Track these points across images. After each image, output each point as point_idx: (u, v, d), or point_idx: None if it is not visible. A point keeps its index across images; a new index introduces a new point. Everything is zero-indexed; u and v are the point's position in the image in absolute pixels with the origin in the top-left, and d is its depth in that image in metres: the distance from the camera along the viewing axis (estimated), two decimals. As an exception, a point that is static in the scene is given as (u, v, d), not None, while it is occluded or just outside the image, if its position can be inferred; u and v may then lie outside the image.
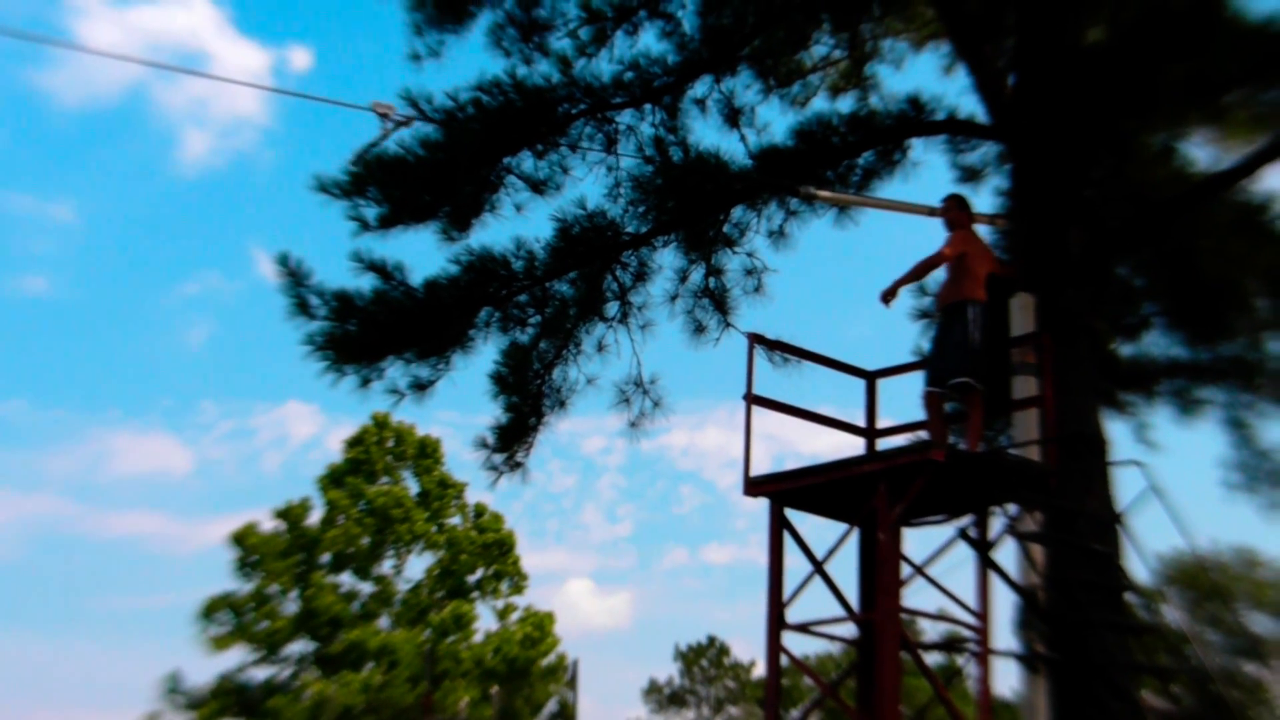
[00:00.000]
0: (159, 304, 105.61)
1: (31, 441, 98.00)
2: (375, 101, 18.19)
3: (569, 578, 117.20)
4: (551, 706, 55.08)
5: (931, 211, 16.48)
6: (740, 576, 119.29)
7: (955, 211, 15.32)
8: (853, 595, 14.56)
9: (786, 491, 14.17)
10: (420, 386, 20.48)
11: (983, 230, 18.32)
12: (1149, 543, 19.44)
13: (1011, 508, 14.39)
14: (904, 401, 14.94)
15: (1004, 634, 15.25)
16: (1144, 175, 20.91)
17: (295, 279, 20.09)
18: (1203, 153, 21.29)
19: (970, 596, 14.09)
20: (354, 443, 53.82)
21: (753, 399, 14.45)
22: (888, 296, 14.55)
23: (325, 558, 52.02)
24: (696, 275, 20.82)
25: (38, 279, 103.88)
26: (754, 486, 14.28)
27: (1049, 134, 18.27)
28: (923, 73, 28.95)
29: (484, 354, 20.52)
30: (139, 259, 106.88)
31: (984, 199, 22.63)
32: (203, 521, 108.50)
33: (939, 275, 15.09)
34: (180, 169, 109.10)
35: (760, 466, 13.98)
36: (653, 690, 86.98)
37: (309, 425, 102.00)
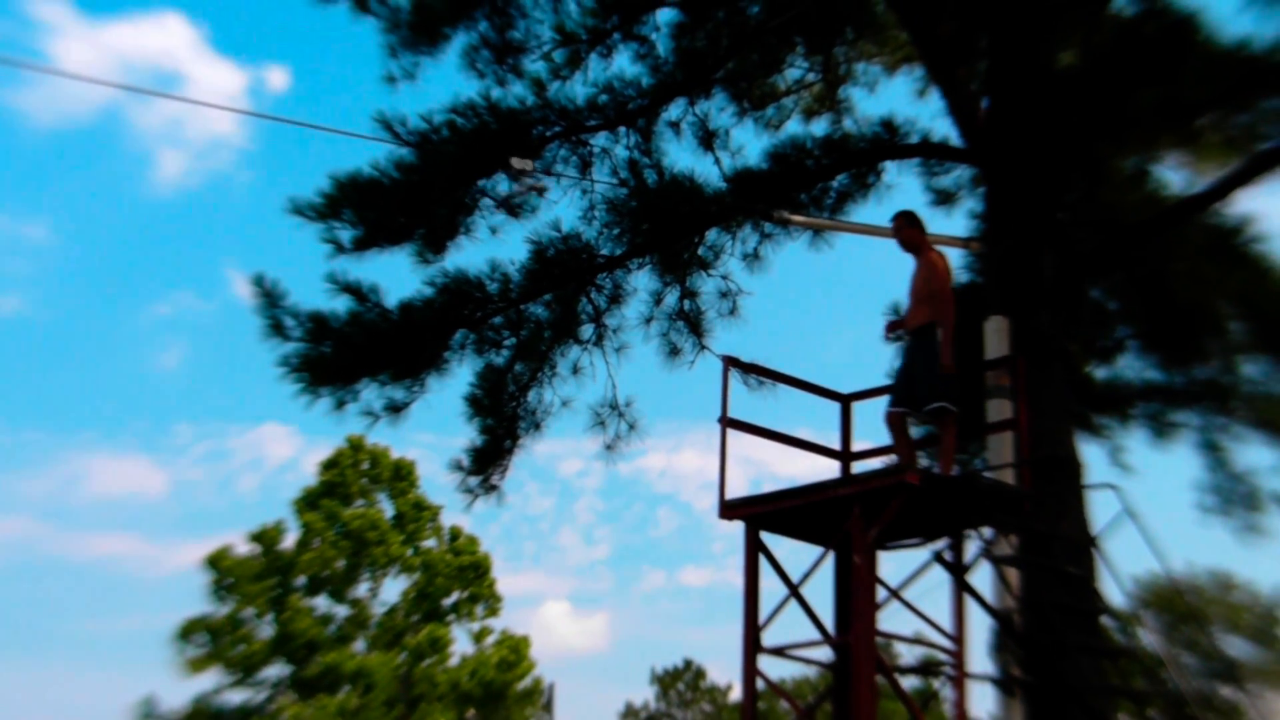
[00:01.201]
0: (133, 324, 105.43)
1: (5, 463, 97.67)
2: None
3: (546, 600, 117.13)
4: (528, 730, 55.05)
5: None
6: (717, 599, 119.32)
7: (907, 229, 15.12)
8: (828, 618, 14.55)
9: (761, 514, 14.15)
10: (395, 408, 20.47)
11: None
12: (1124, 566, 19.44)
13: (986, 531, 14.37)
14: (879, 425, 14.93)
15: (980, 657, 15.23)
16: (1117, 199, 20.95)
17: (270, 300, 20.09)
18: (1176, 176, 21.36)
19: (946, 620, 14.08)
20: (329, 465, 53.73)
21: (727, 422, 14.43)
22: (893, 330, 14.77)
23: (300, 581, 51.93)
24: (671, 298, 20.83)
25: (11, 299, 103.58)
26: (729, 510, 14.25)
27: (1022, 157, 18.31)
28: (896, 96, 29.11)
29: (459, 376, 20.54)
30: (113, 279, 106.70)
31: (957, 222, 22.71)
32: (178, 544, 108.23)
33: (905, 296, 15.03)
34: (155, 189, 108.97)
35: (737, 489, 14.02)
36: (629, 714, 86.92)
37: (286, 447, 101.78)
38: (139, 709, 50.12)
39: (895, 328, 15.01)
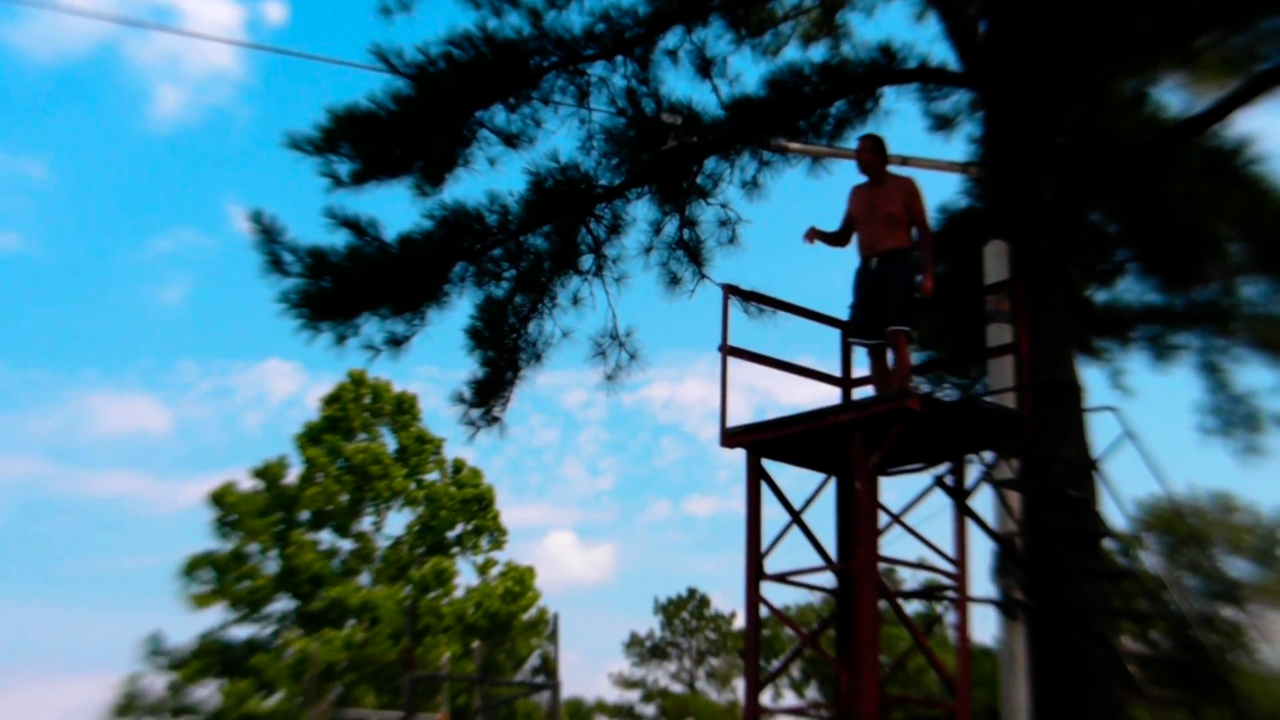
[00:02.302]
0: (134, 261, 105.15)
1: (9, 403, 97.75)
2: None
3: (551, 531, 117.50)
4: (533, 660, 55.25)
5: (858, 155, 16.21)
6: (722, 528, 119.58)
7: (871, 155, 14.89)
8: (831, 545, 14.59)
9: (763, 442, 14.17)
10: (396, 342, 20.47)
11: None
12: (1125, 488, 19.54)
13: (987, 455, 14.41)
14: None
15: (982, 581, 15.27)
16: (1116, 121, 20.90)
17: (269, 236, 20.06)
18: (1175, 98, 21.29)
19: (948, 544, 14.11)
20: (331, 400, 53.75)
21: (728, 350, 14.42)
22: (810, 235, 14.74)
23: (304, 516, 52.04)
24: (670, 227, 20.83)
25: (11, 236, 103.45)
26: (730, 438, 14.27)
27: (1021, 81, 18.25)
28: (894, 20, 28.83)
29: (459, 309, 20.53)
30: (113, 215, 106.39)
31: (956, 147, 22.62)
32: (183, 481, 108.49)
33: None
34: (154, 124, 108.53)
35: (740, 418, 13.95)
36: (634, 643, 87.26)
37: (289, 383, 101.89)
38: (146, 645, 50.29)
39: (817, 236, 14.91)
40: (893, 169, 15.03)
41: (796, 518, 14.28)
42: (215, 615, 50.81)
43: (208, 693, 50.03)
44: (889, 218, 14.39)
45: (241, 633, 51.25)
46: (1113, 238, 22.87)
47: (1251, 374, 23.17)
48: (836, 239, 15.00)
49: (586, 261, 20.73)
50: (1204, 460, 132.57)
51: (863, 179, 14.86)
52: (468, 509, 53.98)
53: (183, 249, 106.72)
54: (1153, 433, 16.47)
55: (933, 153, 20.26)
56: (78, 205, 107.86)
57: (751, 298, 15.87)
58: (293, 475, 52.59)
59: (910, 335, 14.13)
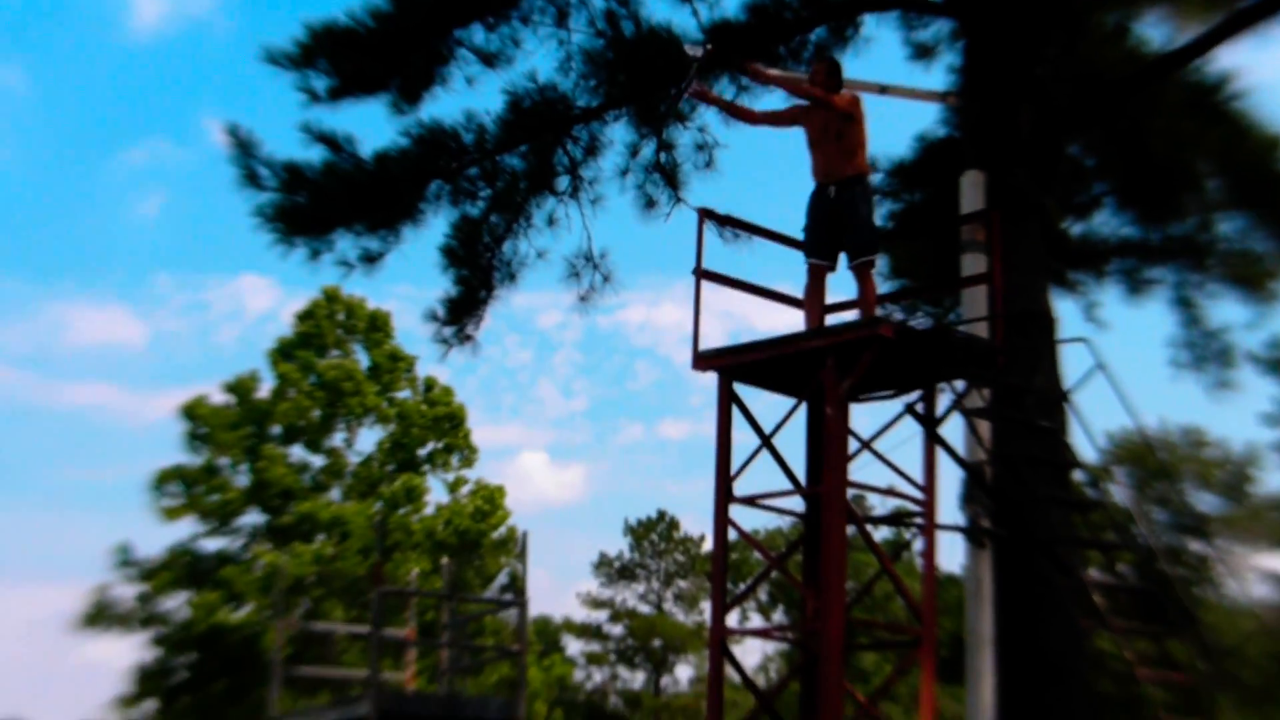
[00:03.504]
0: (110, 173, 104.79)
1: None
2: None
3: (524, 451, 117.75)
4: (502, 578, 55.42)
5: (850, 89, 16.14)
6: (694, 452, 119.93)
7: (825, 78, 14.66)
8: (801, 470, 14.64)
9: (735, 366, 14.20)
10: (370, 259, 20.47)
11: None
12: (1096, 420, 19.61)
13: (959, 384, 14.46)
14: (851, 279, 14.92)
15: (950, 509, 15.34)
16: (1097, 54, 20.87)
17: (245, 150, 20.04)
18: (1156, 31, 21.29)
19: (917, 472, 14.18)
20: (304, 316, 53.57)
21: (702, 273, 14.44)
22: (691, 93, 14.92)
23: (276, 430, 51.98)
24: (648, 150, 20.79)
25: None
26: (702, 360, 14.30)
27: (1002, 11, 18.23)
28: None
29: (434, 227, 20.51)
30: (89, 127, 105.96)
31: (936, 76, 22.60)
32: (156, 393, 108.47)
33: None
34: (132, 35, 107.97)
35: (715, 342, 14.07)
36: (603, 563, 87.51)
37: (264, 298, 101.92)
38: (115, 555, 50.25)
39: (709, 97, 15.13)
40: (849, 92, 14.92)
41: (767, 442, 14.33)
42: (185, 527, 50.83)
43: (177, 604, 50.08)
44: (846, 142, 14.30)
45: (211, 545, 51.27)
46: (1090, 170, 22.90)
47: (1225, 309, 23.29)
48: (743, 115, 15.22)
49: (562, 182, 20.72)
50: (1175, 395, 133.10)
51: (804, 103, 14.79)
52: (439, 427, 53.92)
53: (159, 161, 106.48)
54: (1125, 366, 16.56)
55: (912, 81, 20.26)
56: (54, 115, 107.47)
57: (727, 222, 15.86)
58: (265, 390, 52.54)
59: (873, 263, 14.19)
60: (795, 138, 14.54)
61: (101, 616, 50.03)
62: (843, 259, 14.51)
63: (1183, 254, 22.80)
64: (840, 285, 15.14)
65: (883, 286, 20.67)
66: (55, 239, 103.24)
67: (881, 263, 22.09)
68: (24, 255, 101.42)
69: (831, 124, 14.28)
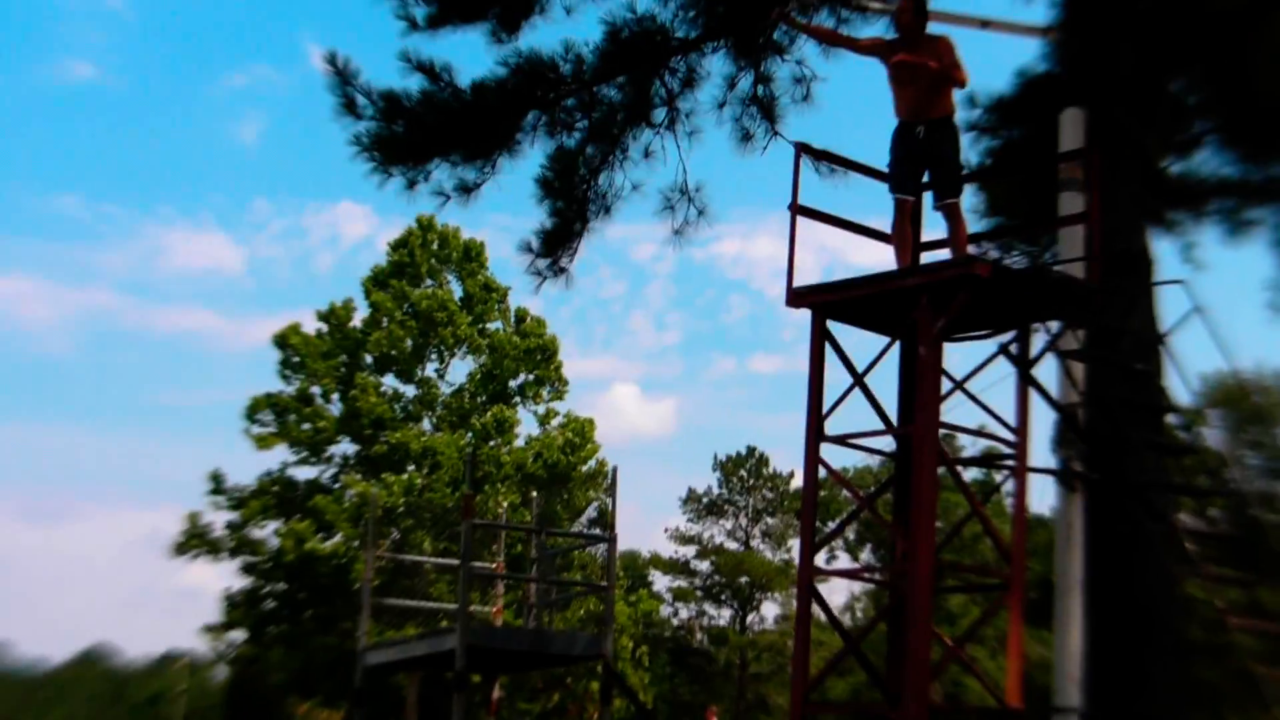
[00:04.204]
0: (209, 96, 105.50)
1: (84, 236, 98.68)
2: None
3: (615, 384, 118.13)
4: (591, 512, 55.68)
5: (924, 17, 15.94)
6: (786, 387, 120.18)
7: (911, 15, 14.48)
8: (892, 409, 14.60)
9: (829, 303, 14.15)
10: (466, 189, 20.49)
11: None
12: (1192, 363, 19.41)
13: (1054, 325, 14.36)
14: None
15: (1042, 451, 15.25)
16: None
17: (343, 78, 20.07)
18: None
19: (1009, 413, 14.12)
20: (398, 245, 53.84)
21: (797, 209, 14.39)
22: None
23: (368, 360, 52.34)
24: (745, 82, 20.65)
25: (87, 67, 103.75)
26: (796, 297, 14.26)
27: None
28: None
29: (530, 158, 20.51)
30: (190, 50, 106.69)
31: (1036, 10, 22.32)
32: (253, 320, 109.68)
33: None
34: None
35: (809, 277, 14.07)
36: (691, 499, 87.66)
37: (361, 225, 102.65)
38: (208, 482, 50.82)
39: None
40: (934, 28, 14.76)
41: (859, 380, 14.29)
42: (277, 455, 51.32)
43: (267, 532, 50.65)
44: (931, 82, 14.17)
45: (302, 474, 51.78)
46: (1192, 108, 22.58)
47: (1326, 252, 22.94)
48: (829, 38, 15.17)
49: (659, 114, 20.63)
50: (1274, 338, 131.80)
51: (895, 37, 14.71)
52: (531, 359, 54.13)
53: (259, 86, 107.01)
54: (1222, 308, 16.40)
55: (1013, 15, 19.98)
56: (155, 38, 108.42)
57: (823, 157, 15.80)
58: (358, 319, 52.84)
59: (959, 203, 14.12)
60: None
61: (194, 543, 50.68)
62: (928, 198, 14.45)
63: (1285, 196, 22.47)
64: (935, 222, 15.05)
65: (978, 224, 20.55)
66: (155, 163, 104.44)
67: (978, 200, 21.96)
68: (124, 179, 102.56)
69: (925, 72, 14.14)
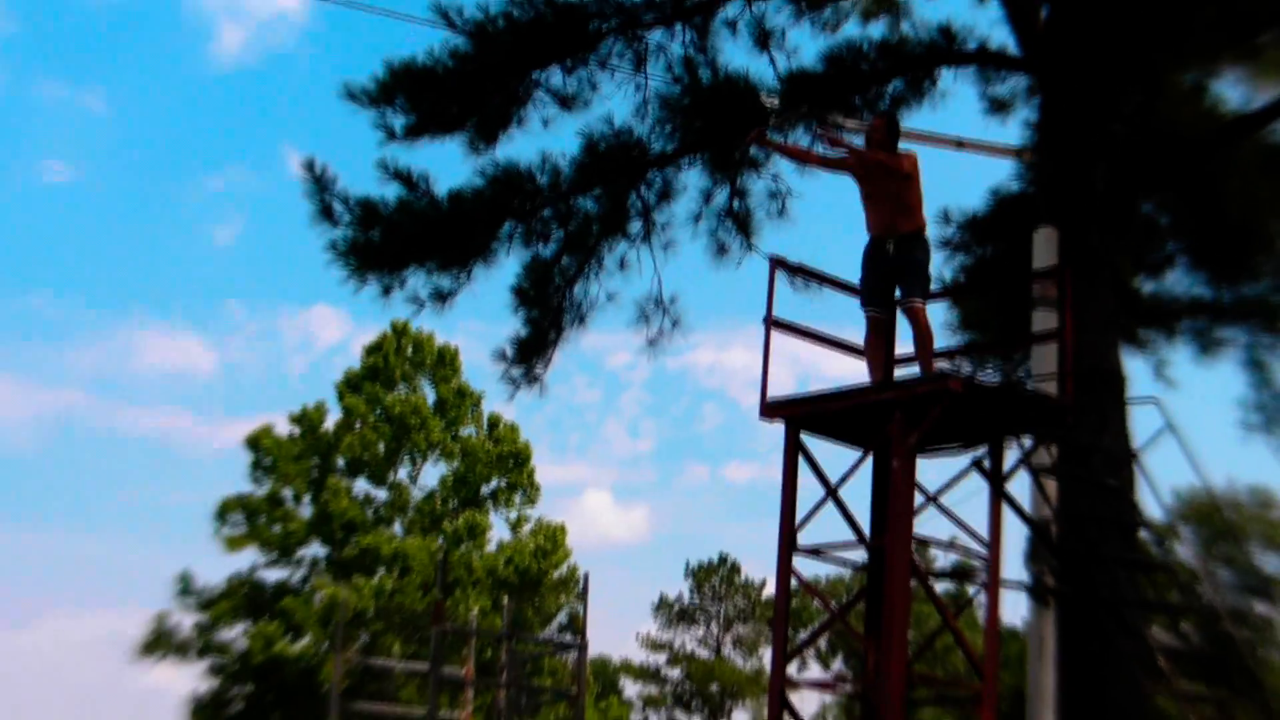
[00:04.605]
0: (187, 198, 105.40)
1: (56, 335, 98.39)
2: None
3: (588, 490, 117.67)
4: (562, 618, 55.46)
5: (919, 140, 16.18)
6: (759, 496, 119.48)
7: (883, 135, 14.56)
8: (865, 521, 14.64)
9: (802, 415, 14.21)
10: (441, 297, 20.59)
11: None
12: (1163, 480, 19.53)
13: (1027, 440, 14.44)
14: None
15: (1015, 565, 15.34)
16: (1174, 113, 20.82)
17: (320, 184, 20.21)
18: (1234, 92, 21.23)
19: (982, 527, 14.15)
20: (373, 349, 53.91)
21: (772, 322, 14.48)
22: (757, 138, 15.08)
23: (341, 463, 52.26)
24: (721, 196, 20.86)
25: (67, 168, 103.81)
26: (770, 409, 14.31)
27: (1079, 68, 18.21)
28: (955, 1, 28.77)
29: (506, 266, 20.62)
30: (169, 152, 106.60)
31: (1011, 131, 22.59)
32: (225, 422, 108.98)
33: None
34: (214, 63, 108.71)
35: (783, 388, 14.10)
36: (663, 605, 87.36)
37: (336, 329, 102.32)
38: (176, 583, 50.55)
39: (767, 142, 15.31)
40: (912, 148, 14.94)
41: (832, 492, 14.32)
42: (247, 557, 51.11)
43: (235, 634, 50.34)
44: (908, 198, 14.28)
45: (272, 576, 51.55)
46: (1164, 229, 22.83)
47: (1296, 372, 23.15)
48: (804, 157, 15.30)
49: (635, 226, 20.81)
50: (1244, 455, 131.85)
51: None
52: (503, 464, 54.14)
53: (236, 188, 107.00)
54: (1194, 426, 16.50)
55: (988, 136, 20.27)
56: (134, 140, 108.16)
57: (798, 271, 15.90)
58: (330, 422, 52.83)
59: (923, 306, 14.19)
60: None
61: (161, 644, 50.32)
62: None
63: (1254, 315, 22.68)
64: (909, 337, 15.14)
65: (952, 340, 20.69)
66: (130, 263, 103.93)
67: (951, 316, 22.14)
68: (99, 279, 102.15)
69: (891, 184, 14.26)
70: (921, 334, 14.16)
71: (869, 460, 14.54)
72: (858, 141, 16.42)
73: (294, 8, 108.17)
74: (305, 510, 51.35)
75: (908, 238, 14.22)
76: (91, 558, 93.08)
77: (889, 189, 14.24)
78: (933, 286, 14.76)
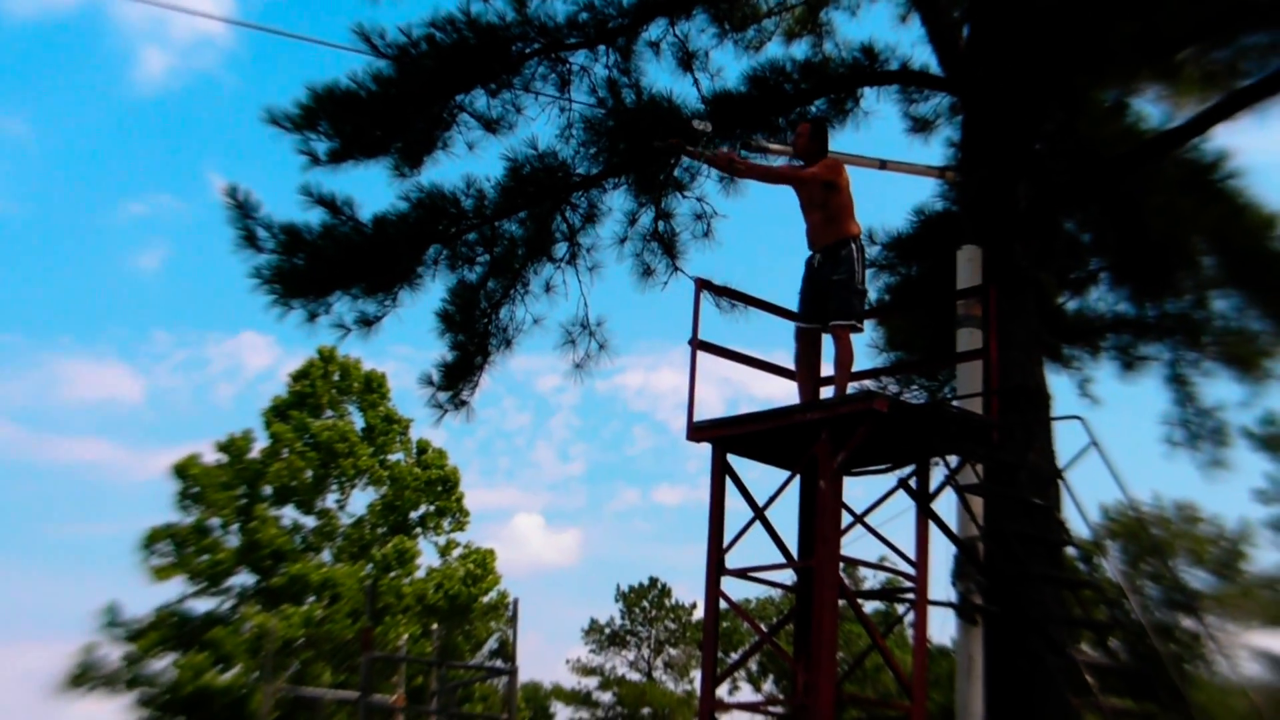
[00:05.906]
0: (110, 224, 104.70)
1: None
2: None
3: (519, 514, 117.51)
4: (492, 643, 55.29)
5: (851, 161, 16.18)
6: (688, 519, 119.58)
7: (808, 140, 14.55)
8: (793, 542, 14.62)
9: (729, 437, 14.18)
10: (367, 322, 20.52)
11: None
12: (1089, 497, 19.61)
13: (952, 459, 14.45)
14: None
15: (942, 584, 15.33)
16: (1095, 131, 20.98)
17: (243, 211, 20.11)
18: (1154, 110, 21.40)
19: (909, 546, 14.16)
20: (299, 376, 53.66)
21: (698, 344, 14.44)
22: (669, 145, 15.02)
23: (268, 491, 51.95)
24: (646, 218, 20.89)
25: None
26: (697, 431, 14.28)
27: (1001, 87, 18.32)
28: (877, 21, 28.98)
29: (432, 291, 20.58)
30: (92, 178, 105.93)
31: (934, 150, 22.69)
32: (154, 451, 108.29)
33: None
34: (137, 88, 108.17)
35: (712, 409, 14.09)
36: (594, 629, 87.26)
37: (264, 356, 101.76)
38: (103, 615, 50.08)
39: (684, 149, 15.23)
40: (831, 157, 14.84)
41: (760, 514, 14.30)
42: (174, 587, 50.69)
43: (164, 665, 49.92)
44: (836, 207, 14.23)
45: (200, 606, 51.15)
46: (1086, 246, 22.97)
47: (1219, 388, 23.33)
48: (733, 168, 15.21)
49: (560, 249, 20.81)
50: (1169, 471, 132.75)
51: (798, 163, 14.72)
52: (432, 490, 54.00)
53: (160, 214, 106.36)
54: (1118, 443, 16.60)
55: (910, 155, 20.35)
56: (57, 166, 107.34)
57: (724, 293, 15.89)
58: (258, 450, 52.52)
59: (855, 328, 14.11)
60: (796, 209, 14.52)
61: (88, 677, 49.81)
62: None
63: (1177, 331, 22.84)
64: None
65: (878, 359, 20.74)
66: (54, 292, 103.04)
67: (877, 336, 22.22)
68: (22, 308, 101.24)
69: (815, 193, 14.24)
70: (840, 356, 14.14)
71: (796, 481, 14.53)
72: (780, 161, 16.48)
73: (217, 32, 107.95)
74: (233, 539, 50.99)
75: (830, 249, 14.16)
76: (17, 590, 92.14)
77: (814, 198, 14.22)
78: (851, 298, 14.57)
